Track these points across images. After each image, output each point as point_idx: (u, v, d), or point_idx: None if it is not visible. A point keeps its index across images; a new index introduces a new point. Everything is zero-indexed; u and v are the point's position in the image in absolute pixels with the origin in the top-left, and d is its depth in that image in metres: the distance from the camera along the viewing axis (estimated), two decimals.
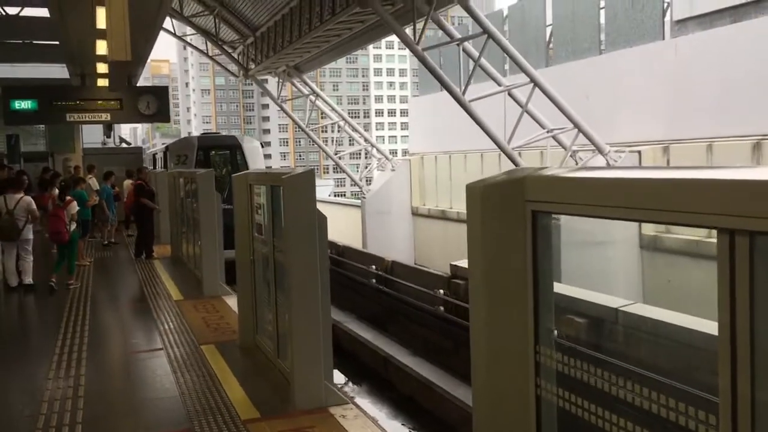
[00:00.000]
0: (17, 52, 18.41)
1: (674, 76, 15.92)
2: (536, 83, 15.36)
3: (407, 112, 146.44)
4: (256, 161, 18.85)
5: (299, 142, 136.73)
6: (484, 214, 2.59)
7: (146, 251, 14.81)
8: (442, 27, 15.77)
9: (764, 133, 13.64)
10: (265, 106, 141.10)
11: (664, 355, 3.29)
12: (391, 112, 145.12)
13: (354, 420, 5.30)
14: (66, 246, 11.50)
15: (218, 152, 19.61)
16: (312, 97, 27.52)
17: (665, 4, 17.15)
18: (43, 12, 18.17)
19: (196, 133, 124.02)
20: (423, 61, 15.17)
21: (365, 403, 10.69)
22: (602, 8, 18.40)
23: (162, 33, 15.42)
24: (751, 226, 1.75)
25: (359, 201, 28.03)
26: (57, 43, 17.78)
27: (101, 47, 10.22)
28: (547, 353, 2.56)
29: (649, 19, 16.67)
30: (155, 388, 6.43)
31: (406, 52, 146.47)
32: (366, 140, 28.07)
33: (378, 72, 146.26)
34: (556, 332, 8.40)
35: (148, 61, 21.13)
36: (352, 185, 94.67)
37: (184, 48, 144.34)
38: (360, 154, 29.30)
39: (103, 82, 13.71)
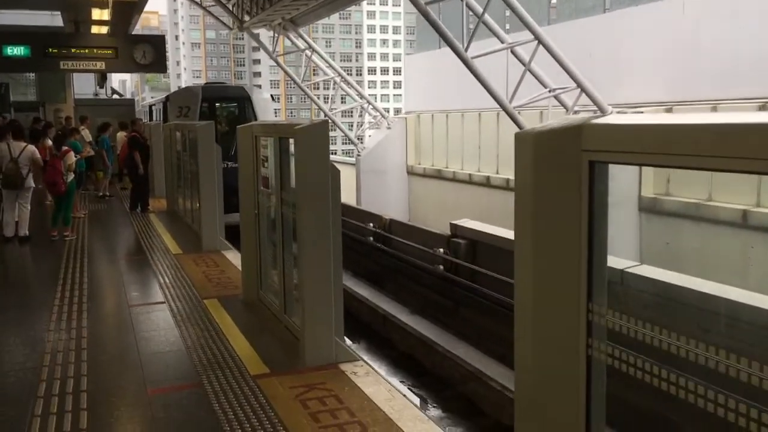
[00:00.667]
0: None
1: (680, 37, 15.65)
2: (540, 41, 15.07)
3: (400, 71, 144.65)
4: (266, 115, 17.18)
5: (291, 98, 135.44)
6: (537, 163, 2.44)
7: (141, 204, 14.60)
8: None
9: None
10: (257, 62, 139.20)
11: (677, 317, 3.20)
12: (384, 70, 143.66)
13: (365, 377, 5.21)
14: (62, 197, 11.28)
15: (224, 104, 18.05)
16: (308, 52, 27.03)
17: None
18: None
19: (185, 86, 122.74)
20: (425, 15, 14.82)
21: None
22: None
23: None
24: None
25: (353, 159, 27.78)
26: None
27: None
28: (602, 312, 2.43)
29: None
30: (159, 342, 6.32)
31: (401, 8, 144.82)
32: (362, 97, 27.68)
33: (371, 29, 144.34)
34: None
35: None
36: (344, 143, 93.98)
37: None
38: (354, 111, 28.94)
39: (97, 30, 13.33)
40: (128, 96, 42.13)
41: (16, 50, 12.70)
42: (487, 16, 15.42)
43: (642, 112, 15.88)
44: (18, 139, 11.12)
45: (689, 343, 2.10)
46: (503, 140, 21.63)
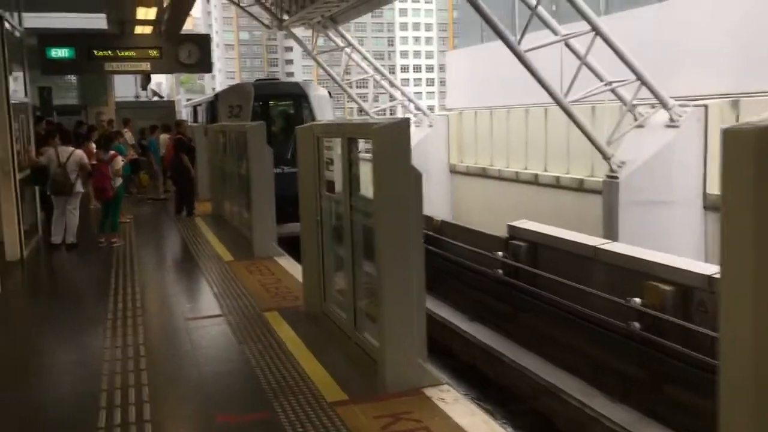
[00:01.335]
0: (48, 1, 17.72)
1: (745, 24, 14.84)
2: (598, 32, 14.39)
3: (433, 68, 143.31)
4: (324, 114, 15.64)
5: None
6: (761, 170, 1.87)
7: (187, 208, 14.26)
8: None
9: None
10: (289, 62, 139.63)
11: None
12: (417, 68, 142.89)
13: (455, 404, 4.68)
14: (110, 202, 10.96)
15: (279, 102, 16.61)
16: (347, 50, 26.59)
17: None
18: None
19: (220, 87, 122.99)
20: (476, 6, 14.23)
21: None
22: None
23: None
24: None
25: None
26: None
27: None
28: None
29: None
30: (221, 360, 5.88)
31: (433, 5, 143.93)
32: (403, 95, 27.16)
33: (404, 26, 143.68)
34: (638, 300, 7.51)
35: None
36: None
37: (208, 1, 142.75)
38: (394, 109, 28.48)
39: (142, 30, 13.00)
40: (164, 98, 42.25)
41: (60, 52, 12.46)
42: (540, 8, 14.79)
43: (705, 105, 15.11)
44: (66, 143, 10.84)
45: None
46: (552, 136, 20.93)
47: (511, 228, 12.31)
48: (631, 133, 15.60)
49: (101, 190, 10.78)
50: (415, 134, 27.54)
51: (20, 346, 6.69)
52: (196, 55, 12.98)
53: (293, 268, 9.16)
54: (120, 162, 10.94)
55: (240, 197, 11.52)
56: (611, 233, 15.35)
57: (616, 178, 15.32)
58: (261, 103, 15.80)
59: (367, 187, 6.11)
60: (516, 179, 22.79)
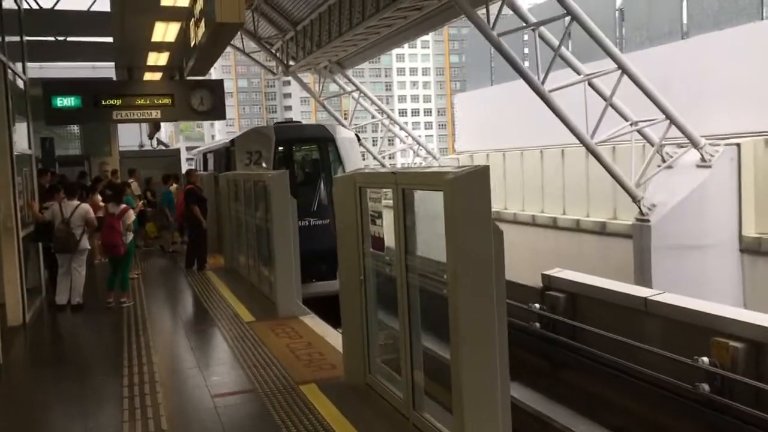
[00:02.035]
0: (53, 50, 17.25)
1: None
2: (625, 70, 13.85)
3: (431, 112, 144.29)
4: (352, 159, 14.34)
5: None
6: None
7: (199, 262, 13.50)
8: (515, 10, 14.31)
9: None
10: (288, 108, 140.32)
11: None
12: (415, 112, 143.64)
13: None
14: (121, 259, 10.21)
15: (303, 147, 15.15)
16: (355, 95, 26.20)
17: None
18: (79, 4, 17.01)
19: (221, 137, 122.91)
20: (499, 47, 13.72)
21: None
22: None
23: None
24: None
25: None
26: (95, 39, 16.63)
27: (159, 32, 8.89)
28: None
29: None
30: None
31: (430, 51, 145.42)
32: (412, 138, 26.66)
33: (401, 71, 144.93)
34: (706, 359, 6.65)
35: None
36: None
37: None
38: (402, 153, 27.99)
39: (151, 76, 12.42)
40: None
41: (66, 101, 11.82)
42: (562, 48, 14.28)
43: (738, 144, 14.51)
44: (71, 197, 10.14)
45: None
46: (570, 177, 20.31)
47: (546, 277, 11.53)
48: (660, 174, 14.96)
49: (112, 247, 10.03)
50: None
51: (23, 430, 5.87)
52: (208, 101, 12.34)
53: (322, 330, 8.38)
54: (132, 216, 10.22)
55: (258, 251, 10.78)
56: (643, 279, 14.62)
57: (648, 221, 14.63)
58: (283, 148, 14.45)
59: (428, 245, 5.41)
60: (532, 223, 22.09)
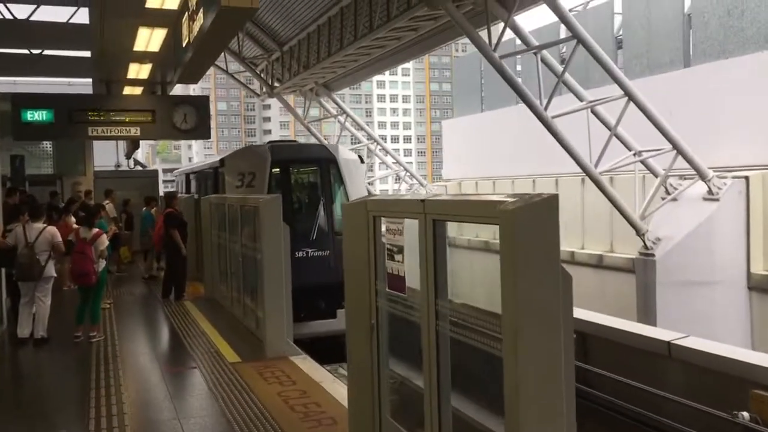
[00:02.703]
0: (25, 63, 16.30)
1: None
2: (632, 97, 13.22)
3: (410, 139, 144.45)
4: (355, 182, 12.91)
5: None
6: None
7: (176, 291, 12.53)
8: (517, 32, 13.68)
9: None
10: (267, 132, 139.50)
11: None
12: (394, 139, 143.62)
13: None
14: (92, 289, 9.24)
15: (302, 169, 13.51)
16: (341, 118, 25.44)
17: None
18: (55, 16, 16.13)
19: (198, 159, 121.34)
20: (501, 70, 13.04)
21: None
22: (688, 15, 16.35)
23: None
24: None
25: None
26: (72, 53, 15.73)
27: (142, 39, 8.03)
28: None
29: (751, 26, 14.61)
30: None
31: (410, 78, 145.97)
32: (400, 164, 25.91)
33: (381, 98, 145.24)
34: (747, 414, 5.80)
35: None
36: None
37: None
38: (381, 180, 27.33)
39: (131, 90, 11.53)
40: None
41: (37, 115, 10.86)
42: (566, 74, 13.64)
43: (746, 177, 13.92)
44: (35, 219, 9.18)
45: None
46: (564, 208, 19.60)
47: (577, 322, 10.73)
48: (665, 207, 14.32)
49: (82, 275, 9.06)
50: None
51: None
52: (192, 119, 11.44)
53: (317, 375, 7.47)
54: (105, 242, 9.27)
55: (244, 282, 9.86)
56: (647, 316, 13.89)
57: (652, 255, 13.93)
58: (279, 169, 12.81)
59: (464, 288, 4.61)
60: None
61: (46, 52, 17.02)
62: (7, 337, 9.76)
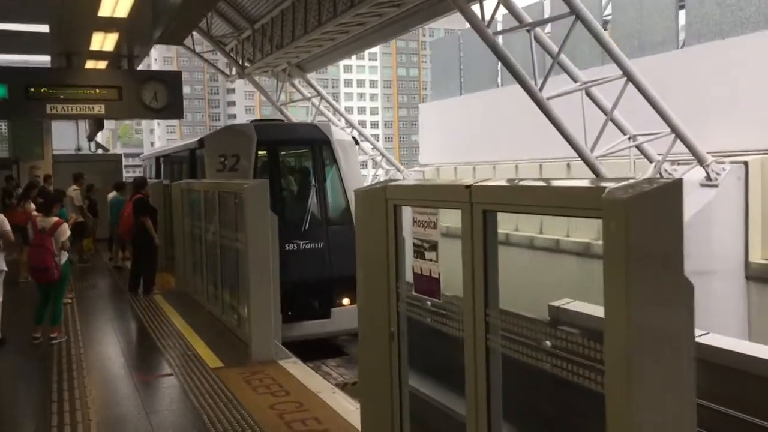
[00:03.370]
0: None
1: None
2: (630, 78, 12.56)
3: (377, 125, 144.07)
4: (350, 166, 11.83)
5: None
6: None
7: (145, 284, 11.55)
8: (510, 8, 12.89)
9: None
10: (232, 116, 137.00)
11: None
12: (362, 124, 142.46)
13: None
14: (53, 286, 8.23)
15: (292, 151, 12.31)
16: (315, 101, 24.45)
17: None
18: None
19: (159, 142, 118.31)
20: (494, 48, 12.26)
21: None
22: None
23: None
24: None
25: None
26: (29, 27, 14.46)
27: (108, 4, 7.03)
28: None
29: (750, 5, 14.02)
30: None
31: (378, 63, 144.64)
32: (376, 149, 25.06)
33: (348, 83, 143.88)
34: None
35: None
36: None
37: (148, 56, 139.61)
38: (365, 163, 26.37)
39: (94, 65, 10.46)
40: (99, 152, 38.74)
41: None
42: (562, 56, 12.92)
43: (745, 162, 13.38)
44: None
45: None
46: None
47: (555, 309, 10.03)
48: None
49: (42, 270, 8.04)
50: None
51: None
52: (164, 97, 10.38)
53: (312, 383, 6.64)
54: (66, 232, 8.25)
55: (223, 276, 8.96)
56: None
57: None
58: (266, 151, 11.56)
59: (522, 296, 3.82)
60: (506, 242, 20.69)
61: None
62: None
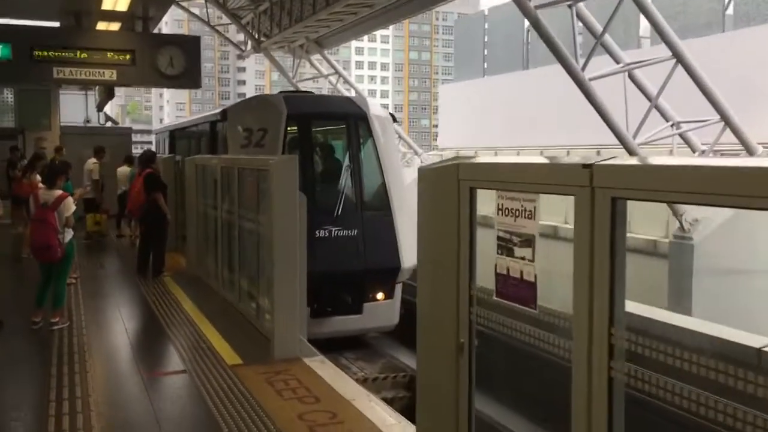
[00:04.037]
0: None
1: None
2: (680, 59, 11.66)
3: (387, 108, 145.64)
4: (389, 145, 10.79)
5: None
6: None
7: (155, 265, 10.79)
8: None
9: None
10: (242, 95, 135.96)
11: None
12: None
13: None
14: (56, 265, 7.48)
15: (325, 126, 11.12)
16: (332, 78, 23.56)
17: None
18: None
19: (169, 119, 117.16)
20: (536, 24, 11.36)
21: None
22: None
23: None
24: None
25: None
26: None
27: None
28: None
29: None
30: None
31: (389, 45, 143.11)
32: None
33: (359, 65, 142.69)
34: None
35: None
36: None
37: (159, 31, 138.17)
38: None
39: (106, 26, 9.64)
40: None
41: None
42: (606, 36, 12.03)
43: None
44: None
45: None
46: None
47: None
48: None
49: (44, 249, 7.27)
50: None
51: None
52: (180, 63, 9.52)
53: (345, 387, 5.87)
54: (72, 206, 7.46)
55: (241, 262, 8.18)
56: (681, 306, 12.50)
57: (690, 239, 12.51)
58: (297, 125, 10.43)
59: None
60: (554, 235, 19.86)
61: None
62: None
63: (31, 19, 17.39)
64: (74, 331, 7.59)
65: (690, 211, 12.72)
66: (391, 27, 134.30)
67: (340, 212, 9.40)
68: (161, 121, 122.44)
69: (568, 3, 12.02)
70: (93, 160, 13.75)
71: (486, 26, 24.59)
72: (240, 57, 26.54)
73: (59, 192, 7.44)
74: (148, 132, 72.88)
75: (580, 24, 12.01)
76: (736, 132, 12.15)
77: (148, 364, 6.58)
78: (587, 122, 14.67)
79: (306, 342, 6.74)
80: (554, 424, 2.91)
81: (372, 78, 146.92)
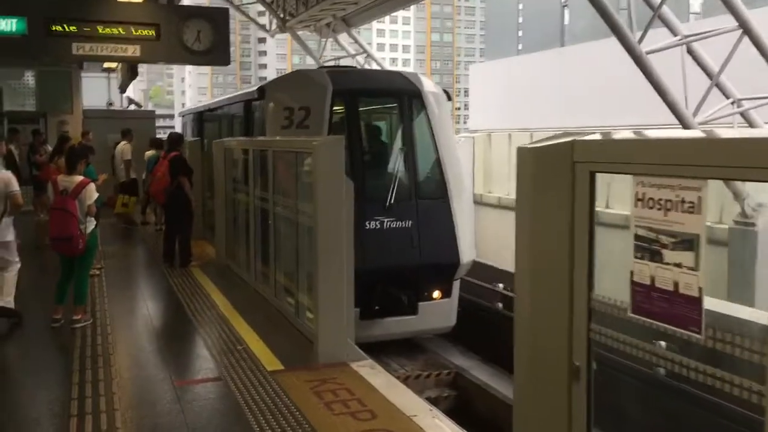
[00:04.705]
0: None
1: None
2: (747, 31, 10.73)
3: None
4: (444, 126, 9.64)
5: None
6: None
7: (182, 255, 10.15)
8: None
9: None
10: (263, 79, 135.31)
11: None
12: None
13: None
14: (77, 258, 6.84)
15: (375, 104, 10.09)
16: (360, 58, 22.76)
17: None
18: None
19: (191, 104, 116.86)
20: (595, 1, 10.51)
21: None
22: None
23: None
24: None
25: None
26: None
27: None
28: None
29: None
30: None
31: (411, 27, 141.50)
32: None
33: (381, 47, 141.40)
34: None
35: None
36: None
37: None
38: None
39: None
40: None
41: (3, 24, 8.25)
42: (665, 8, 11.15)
43: None
44: None
45: None
46: None
47: None
48: None
49: (64, 240, 6.62)
50: None
51: None
52: (208, 38, 8.75)
53: (401, 397, 5.16)
54: (94, 194, 6.79)
55: (278, 254, 7.49)
56: (743, 296, 11.68)
57: (753, 225, 11.67)
58: (345, 104, 9.39)
59: None
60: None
61: None
62: None
63: None
64: (98, 329, 6.95)
65: (753, 195, 11.85)
66: (412, 8, 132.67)
67: (392, 201, 8.51)
68: (183, 105, 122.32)
69: None
70: (123, 141, 13.57)
71: (520, 4, 23.67)
72: (266, 37, 25.84)
73: (80, 178, 6.78)
74: (171, 117, 72.42)
75: None
76: None
77: (179, 370, 5.92)
78: (634, 102, 13.78)
79: (353, 344, 6.03)
80: None
81: (393, 60, 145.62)
